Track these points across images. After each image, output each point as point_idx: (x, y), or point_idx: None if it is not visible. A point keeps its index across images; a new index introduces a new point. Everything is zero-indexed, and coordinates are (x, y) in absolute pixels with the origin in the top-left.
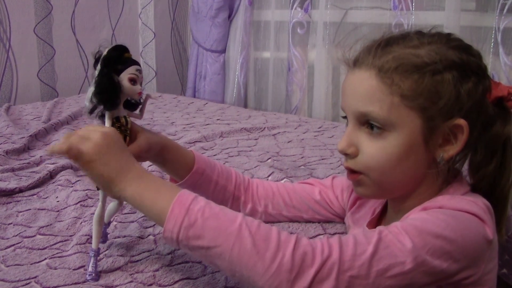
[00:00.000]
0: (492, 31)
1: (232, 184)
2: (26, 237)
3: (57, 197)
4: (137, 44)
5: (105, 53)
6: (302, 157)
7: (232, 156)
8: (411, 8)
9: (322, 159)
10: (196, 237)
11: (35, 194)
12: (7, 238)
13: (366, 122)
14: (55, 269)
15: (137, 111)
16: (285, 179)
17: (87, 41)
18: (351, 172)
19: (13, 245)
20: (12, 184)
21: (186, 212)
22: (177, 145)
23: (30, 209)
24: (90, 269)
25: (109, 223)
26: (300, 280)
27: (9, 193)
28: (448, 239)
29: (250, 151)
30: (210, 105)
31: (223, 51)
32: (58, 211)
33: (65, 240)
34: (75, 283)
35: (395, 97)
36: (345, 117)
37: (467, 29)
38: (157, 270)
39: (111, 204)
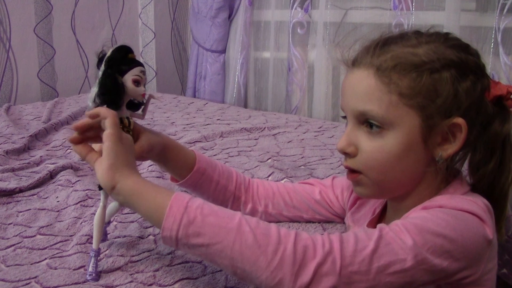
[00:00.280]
0: (492, 31)
1: (233, 184)
2: (26, 237)
3: (57, 197)
4: (137, 44)
5: (109, 53)
6: (302, 157)
7: (232, 156)
8: (411, 8)
9: (322, 159)
10: (196, 234)
11: (35, 194)
12: (7, 238)
13: (365, 121)
14: (55, 269)
15: (140, 111)
16: (285, 179)
17: (87, 41)
18: (351, 171)
19: (13, 245)
20: (12, 184)
21: (184, 209)
22: (179, 145)
23: (30, 209)
24: (90, 269)
25: (109, 222)
26: (303, 273)
27: (9, 193)
28: (448, 238)
29: (250, 151)
30: (210, 105)
31: (223, 51)
32: (58, 211)
33: (65, 240)
34: (75, 283)
35: (393, 95)
36: (344, 117)
37: (467, 29)
38: (157, 270)
39: (112, 204)
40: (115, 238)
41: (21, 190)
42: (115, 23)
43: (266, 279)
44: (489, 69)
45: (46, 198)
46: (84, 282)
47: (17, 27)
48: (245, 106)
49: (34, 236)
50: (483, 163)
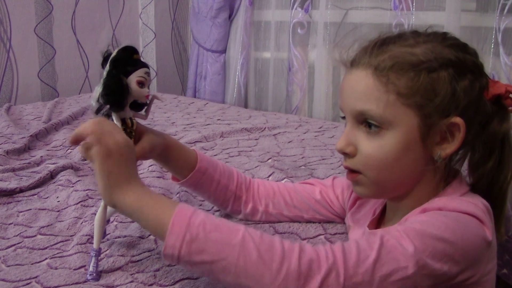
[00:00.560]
0: (493, 31)
1: (234, 183)
2: (26, 237)
3: (57, 197)
4: (138, 44)
5: (114, 54)
6: (302, 157)
7: (232, 156)
8: (411, 8)
9: (323, 159)
10: (199, 251)
11: (35, 194)
12: (8, 238)
13: (364, 121)
14: (56, 269)
15: (143, 112)
16: (285, 179)
17: (87, 41)
18: (350, 171)
19: (14, 245)
20: (12, 184)
21: (187, 226)
22: (180, 145)
23: (30, 209)
24: (91, 269)
25: (108, 221)
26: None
27: (10, 193)
28: (448, 241)
29: (250, 151)
30: (211, 105)
31: (224, 51)
32: (58, 211)
33: (65, 240)
34: (76, 283)
35: (391, 95)
36: (343, 117)
37: (467, 29)
38: (157, 270)
39: None
40: (116, 238)
41: (21, 190)
42: (115, 23)
43: None
44: (489, 69)
45: (47, 198)
46: (85, 282)
47: (17, 27)
48: (246, 106)
49: (35, 236)
50: (482, 162)
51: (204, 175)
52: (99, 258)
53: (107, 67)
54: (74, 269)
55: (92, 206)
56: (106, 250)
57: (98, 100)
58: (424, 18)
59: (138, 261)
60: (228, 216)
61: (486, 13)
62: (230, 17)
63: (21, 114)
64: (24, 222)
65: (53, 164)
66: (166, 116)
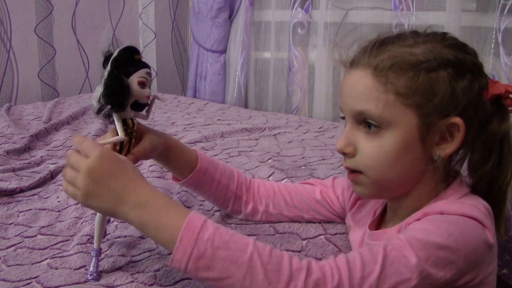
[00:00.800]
0: (493, 31)
1: (234, 183)
2: (27, 237)
3: (58, 197)
4: (138, 44)
5: (115, 54)
6: (302, 158)
7: (232, 156)
8: (411, 8)
9: (323, 160)
10: (206, 268)
11: (36, 194)
12: (8, 238)
13: (363, 121)
14: (56, 269)
15: (144, 112)
16: (285, 180)
17: (87, 41)
18: (351, 171)
19: (14, 245)
20: (13, 184)
21: (195, 242)
22: (181, 145)
23: (31, 209)
24: (91, 269)
25: (108, 221)
26: None
27: (10, 193)
28: (451, 249)
29: (250, 151)
30: (211, 105)
31: (224, 51)
32: (59, 211)
33: (66, 240)
34: (76, 283)
35: (390, 94)
36: (343, 118)
37: (467, 29)
38: (158, 270)
39: None
40: (116, 238)
41: (21, 190)
42: (115, 23)
43: None
44: (489, 70)
45: (47, 198)
46: (85, 282)
47: (17, 27)
48: (246, 106)
49: (35, 236)
50: (482, 162)
51: (205, 175)
52: (100, 258)
53: (109, 67)
54: (75, 269)
55: None
56: (106, 250)
57: (99, 100)
58: (424, 18)
59: (138, 261)
60: (228, 216)
61: (486, 13)
62: (230, 17)
63: (21, 114)
64: (25, 222)
65: (53, 164)
66: (166, 116)
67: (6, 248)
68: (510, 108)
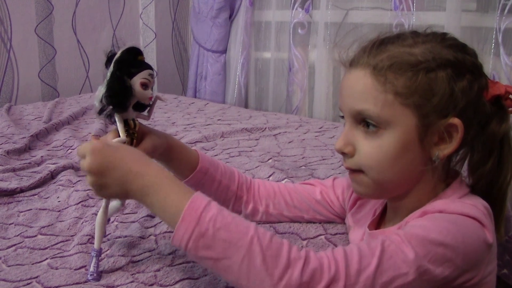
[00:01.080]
0: (493, 31)
1: (235, 183)
2: (27, 237)
3: (58, 197)
4: (138, 45)
5: (118, 54)
6: (303, 158)
7: (233, 156)
8: (412, 8)
9: (323, 160)
10: (205, 247)
11: (36, 194)
12: (8, 238)
13: (362, 121)
14: (56, 269)
15: (145, 112)
16: (286, 180)
17: (88, 41)
18: (352, 171)
19: (14, 245)
20: (13, 184)
21: (197, 221)
22: (182, 145)
23: (31, 209)
24: (91, 269)
25: (109, 220)
26: None
27: (10, 193)
28: (450, 246)
29: (251, 151)
30: (211, 105)
31: (224, 51)
32: (59, 211)
33: (66, 240)
34: (76, 283)
35: (389, 94)
36: (343, 117)
37: (468, 29)
38: (158, 270)
39: (113, 203)
40: (116, 238)
41: (22, 190)
42: (116, 23)
43: None
44: (489, 70)
45: (47, 198)
46: (85, 282)
47: (18, 27)
48: (246, 106)
49: (35, 236)
50: (482, 163)
51: (206, 175)
52: (100, 258)
53: (111, 68)
54: (75, 269)
55: (93, 206)
56: (106, 250)
57: (101, 101)
58: (424, 18)
59: (138, 261)
60: None
61: (487, 13)
62: (231, 17)
63: (21, 114)
64: (25, 222)
65: (53, 164)
66: (167, 116)
67: (7, 248)
68: (510, 108)
